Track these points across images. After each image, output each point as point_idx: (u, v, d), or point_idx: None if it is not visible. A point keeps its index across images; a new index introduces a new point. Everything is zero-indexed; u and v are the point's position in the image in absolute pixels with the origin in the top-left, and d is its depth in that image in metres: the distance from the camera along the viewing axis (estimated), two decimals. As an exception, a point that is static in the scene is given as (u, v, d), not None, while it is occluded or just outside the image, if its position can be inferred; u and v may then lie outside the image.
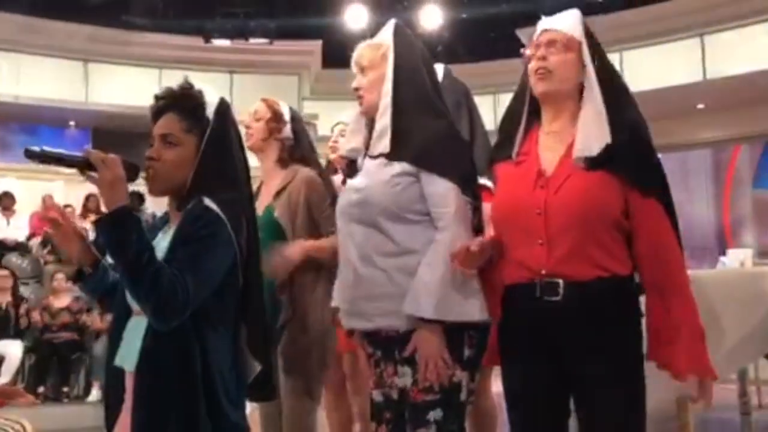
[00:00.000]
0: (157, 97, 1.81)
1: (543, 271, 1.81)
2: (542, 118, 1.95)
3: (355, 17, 10.80)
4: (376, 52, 2.13)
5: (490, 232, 2.03)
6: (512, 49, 11.87)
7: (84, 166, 1.61)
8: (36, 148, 1.60)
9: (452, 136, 2.07)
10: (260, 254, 1.86)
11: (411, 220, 1.98)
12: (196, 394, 1.62)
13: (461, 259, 1.86)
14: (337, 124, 3.46)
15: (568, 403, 1.89)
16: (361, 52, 2.15)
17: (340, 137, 3.24)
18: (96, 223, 1.60)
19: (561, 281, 1.80)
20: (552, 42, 1.90)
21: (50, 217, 1.78)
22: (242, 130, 2.06)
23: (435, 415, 1.93)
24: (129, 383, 1.71)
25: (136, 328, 1.70)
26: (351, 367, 3.14)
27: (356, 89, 2.13)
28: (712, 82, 10.24)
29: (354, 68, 2.16)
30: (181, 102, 1.78)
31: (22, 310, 7.25)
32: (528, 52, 1.96)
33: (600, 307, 1.79)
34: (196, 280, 1.60)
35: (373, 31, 2.28)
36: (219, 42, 11.38)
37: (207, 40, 11.30)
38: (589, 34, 1.92)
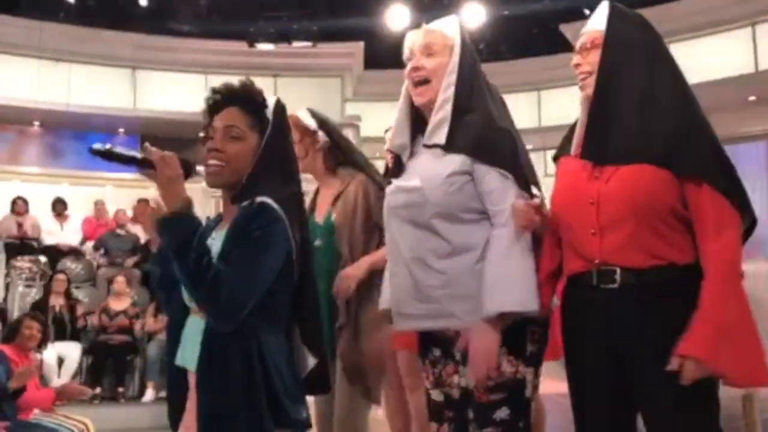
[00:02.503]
0: (215, 91, 1.81)
1: (597, 260, 1.80)
2: None
3: (396, 18, 10.79)
4: (446, 41, 2.09)
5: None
6: (555, 45, 11.72)
7: (144, 163, 1.63)
8: (100, 146, 1.62)
9: (508, 134, 2.05)
10: (313, 252, 1.86)
11: (466, 220, 1.96)
12: (257, 392, 1.63)
13: (525, 215, 1.86)
14: (389, 129, 3.43)
15: (632, 400, 1.81)
16: (430, 36, 2.09)
17: None
18: (158, 223, 1.61)
19: (617, 269, 1.77)
20: (582, 47, 1.92)
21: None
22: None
23: (501, 414, 1.91)
24: (192, 382, 1.72)
25: (196, 327, 1.71)
26: (407, 365, 3.13)
27: (417, 69, 2.06)
28: (764, 74, 9.95)
29: (414, 49, 2.09)
30: (245, 98, 1.79)
31: (79, 311, 7.45)
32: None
33: (659, 296, 1.74)
34: (253, 280, 1.61)
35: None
36: (263, 46, 11.50)
37: (251, 44, 11.44)
38: (620, 21, 1.90)
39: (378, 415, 3.27)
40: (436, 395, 2.06)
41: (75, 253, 9.00)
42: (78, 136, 12.40)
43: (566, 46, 11.70)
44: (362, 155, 2.94)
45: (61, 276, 7.71)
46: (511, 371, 1.92)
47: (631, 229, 1.76)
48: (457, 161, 1.97)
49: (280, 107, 1.82)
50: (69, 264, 8.67)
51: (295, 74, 11.93)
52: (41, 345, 4.99)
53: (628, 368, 1.78)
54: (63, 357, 7.03)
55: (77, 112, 11.40)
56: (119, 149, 1.65)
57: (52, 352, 6.70)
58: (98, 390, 6.98)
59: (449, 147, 1.99)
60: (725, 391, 1.78)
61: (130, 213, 9.41)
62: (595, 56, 1.90)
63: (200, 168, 1.78)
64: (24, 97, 11.11)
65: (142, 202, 9.58)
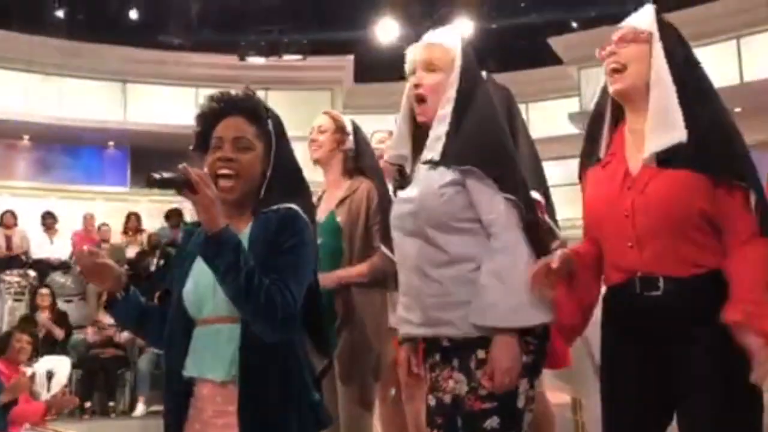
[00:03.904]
0: (215, 100, 1.79)
1: (638, 273, 1.79)
2: (626, 116, 1.92)
3: (386, 31, 10.87)
4: (447, 55, 2.06)
5: (553, 247, 2.02)
6: (543, 58, 11.82)
7: (184, 185, 1.58)
8: (157, 176, 1.57)
9: (501, 145, 2.04)
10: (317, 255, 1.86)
11: (462, 229, 1.96)
12: (300, 396, 1.65)
13: (542, 278, 1.85)
14: (376, 132, 3.55)
15: (669, 408, 1.81)
16: (431, 51, 2.06)
17: (379, 144, 3.34)
18: (205, 245, 1.59)
19: (660, 277, 1.77)
20: (621, 38, 1.90)
21: (86, 258, 1.75)
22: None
23: (491, 423, 1.90)
24: (206, 392, 1.69)
25: (214, 337, 1.68)
26: (406, 376, 3.15)
27: (416, 86, 2.05)
28: (750, 86, 10.06)
29: (416, 65, 2.07)
30: (249, 108, 1.79)
31: (60, 333, 7.32)
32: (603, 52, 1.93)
33: (701, 302, 1.74)
34: (300, 289, 1.63)
35: (404, 44, 2.27)
36: (253, 59, 11.55)
37: (242, 57, 11.48)
38: (664, 26, 1.91)
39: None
40: (431, 400, 2.06)
41: (64, 266, 8.97)
42: (68, 150, 12.39)
43: (554, 59, 11.82)
44: (379, 174, 2.97)
45: (44, 290, 7.63)
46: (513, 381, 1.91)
47: (668, 240, 1.76)
48: (449, 172, 1.98)
49: (274, 115, 1.83)
50: (58, 278, 8.63)
51: (286, 87, 11.97)
52: (32, 358, 4.97)
53: (673, 371, 1.77)
54: (53, 371, 6.98)
55: (67, 126, 11.39)
56: (169, 174, 1.59)
57: (41, 366, 6.67)
58: (88, 404, 6.93)
59: (441, 162, 2.00)
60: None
61: (120, 227, 9.41)
62: (634, 50, 1.88)
63: None
64: (14, 111, 11.11)
65: (133, 216, 9.59)
